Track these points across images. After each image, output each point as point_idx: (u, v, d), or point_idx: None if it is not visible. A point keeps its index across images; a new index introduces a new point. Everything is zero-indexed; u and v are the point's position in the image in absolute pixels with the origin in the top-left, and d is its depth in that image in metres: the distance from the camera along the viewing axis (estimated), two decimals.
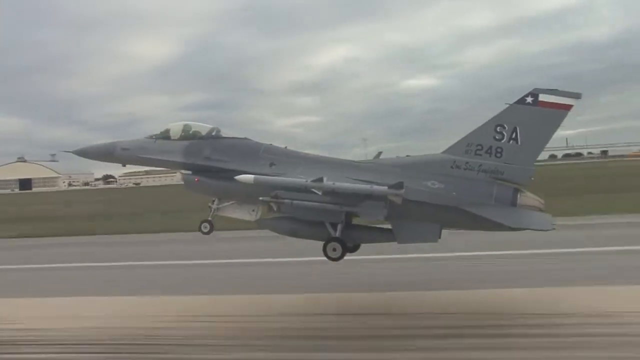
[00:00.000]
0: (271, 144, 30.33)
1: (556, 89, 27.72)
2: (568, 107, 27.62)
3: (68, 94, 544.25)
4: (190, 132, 30.45)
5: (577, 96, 27.77)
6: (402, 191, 25.37)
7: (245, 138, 30.54)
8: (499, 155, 27.98)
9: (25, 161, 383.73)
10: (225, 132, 30.53)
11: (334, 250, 28.10)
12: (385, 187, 25.55)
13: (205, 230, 30.16)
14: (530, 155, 28.12)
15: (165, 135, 30.35)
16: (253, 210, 30.36)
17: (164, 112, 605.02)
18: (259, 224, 30.40)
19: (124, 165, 31.63)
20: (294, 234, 29.80)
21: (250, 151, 29.79)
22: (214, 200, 30.45)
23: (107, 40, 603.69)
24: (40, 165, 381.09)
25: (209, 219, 30.09)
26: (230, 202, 30.39)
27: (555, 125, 27.98)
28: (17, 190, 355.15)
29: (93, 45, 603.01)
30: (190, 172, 29.99)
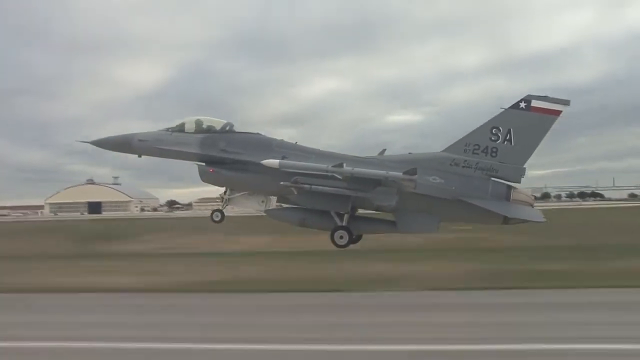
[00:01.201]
0: (282, 140, 32.73)
1: (547, 96, 31.11)
2: (558, 113, 30.99)
3: (47, 117, 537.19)
4: (205, 126, 32.72)
5: (566, 103, 30.94)
6: (416, 177, 28.53)
7: (258, 133, 33.06)
8: (494, 154, 31.14)
9: (94, 183, 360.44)
10: (238, 127, 32.87)
11: (341, 237, 31.26)
12: (400, 173, 28.54)
13: (217, 219, 32.28)
14: (522, 156, 31.32)
15: (180, 129, 32.51)
16: (262, 201, 33.10)
17: None
18: (268, 214, 32.99)
19: (139, 156, 33.09)
20: (302, 223, 32.55)
21: (263, 144, 32.17)
22: (225, 191, 32.81)
23: (95, 63, 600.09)
24: (111, 188, 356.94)
25: (221, 208, 32.42)
26: (242, 193, 32.84)
27: (546, 129, 31.16)
28: (86, 214, 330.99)
29: (80, 69, 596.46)
30: (204, 163, 32.00)
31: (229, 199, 32.97)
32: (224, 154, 31.93)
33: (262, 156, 30.76)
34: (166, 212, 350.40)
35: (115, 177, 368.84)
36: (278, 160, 29.74)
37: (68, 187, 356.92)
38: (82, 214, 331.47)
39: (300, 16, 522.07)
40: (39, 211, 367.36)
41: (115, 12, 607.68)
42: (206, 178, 32.29)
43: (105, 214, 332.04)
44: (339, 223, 31.21)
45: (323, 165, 29.50)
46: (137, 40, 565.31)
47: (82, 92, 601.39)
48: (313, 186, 29.77)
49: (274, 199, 33.06)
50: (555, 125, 31.36)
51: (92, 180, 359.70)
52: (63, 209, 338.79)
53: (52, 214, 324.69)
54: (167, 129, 32.81)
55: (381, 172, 29.14)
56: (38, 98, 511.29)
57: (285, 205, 32.85)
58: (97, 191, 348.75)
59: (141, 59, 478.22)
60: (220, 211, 32.41)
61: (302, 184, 29.85)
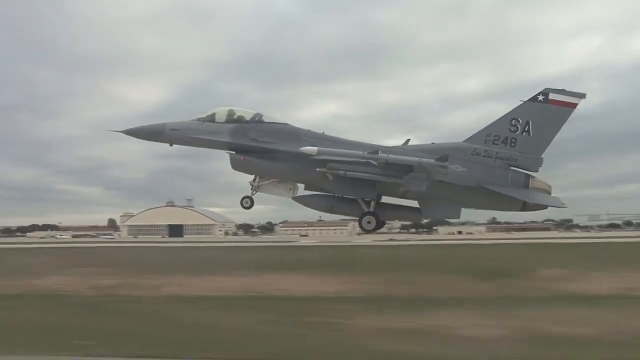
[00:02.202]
0: (310, 129, 34.72)
1: (564, 89, 33.22)
2: (574, 105, 33.09)
3: (44, 135, 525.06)
4: (235, 116, 34.50)
5: (582, 96, 33.20)
6: (447, 163, 30.30)
7: (286, 124, 34.88)
8: (513, 145, 33.14)
9: (174, 205, 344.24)
10: (268, 117, 34.71)
11: (369, 222, 33.69)
12: (432, 160, 30.39)
13: (247, 205, 34.86)
14: (540, 146, 33.34)
15: (211, 119, 34.20)
16: (290, 189, 34.87)
17: (135, 159, 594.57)
18: (297, 201, 35.18)
19: (170, 145, 34.72)
20: (330, 209, 35.41)
21: (292, 134, 34.05)
22: (254, 178, 34.58)
23: (97, 81, 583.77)
24: (191, 210, 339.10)
25: (250, 195, 34.56)
26: (270, 181, 34.55)
27: (562, 120, 33.21)
28: (166, 237, 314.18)
29: (83, 87, 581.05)
30: (234, 152, 33.91)
31: (258, 185, 34.63)
32: (255, 142, 33.70)
33: (292, 144, 32.90)
34: (254, 236, 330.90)
35: (189, 200, 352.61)
36: (316, 148, 31.54)
37: (146, 209, 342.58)
38: (163, 237, 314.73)
39: (309, 39, 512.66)
40: (117, 233, 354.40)
41: (122, 29, 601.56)
42: (237, 166, 34.10)
43: (187, 238, 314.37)
44: (366, 209, 33.76)
45: (360, 152, 31.58)
46: (142, 58, 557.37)
47: (80, 110, 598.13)
48: (348, 172, 31.55)
49: (300, 186, 35.02)
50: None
51: (172, 202, 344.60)
52: (142, 232, 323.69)
53: (132, 236, 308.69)
54: (199, 119, 34.47)
55: (415, 159, 31.01)
56: (35, 115, 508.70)
57: (313, 193, 35.08)
58: (177, 213, 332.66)
59: (144, 78, 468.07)
60: (250, 197, 34.58)
61: (337, 170, 31.64)
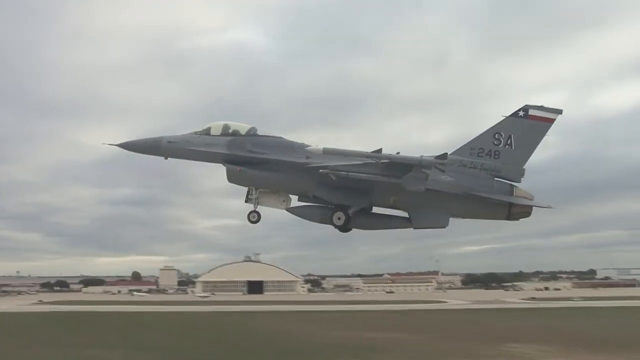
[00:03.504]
0: (303, 142, 35.70)
1: (542, 106, 35.94)
2: (551, 121, 35.78)
3: None
4: (231, 130, 36.01)
5: (558, 112, 35.92)
6: (447, 160, 31.92)
7: (280, 137, 36.33)
8: (496, 157, 35.63)
9: (251, 260, 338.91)
10: (262, 131, 36.26)
11: (339, 219, 35.13)
12: (432, 158, 31.81)
13: (253, 220, 35.86)
14: (522, 158, 35.88)
15: (207, 132, 35.79)
16: (283, 200, 36.11)
17: (84, 206, 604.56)
18: (290, 212, 36.13)
19: (165, 158, 35.95)
20: (323, 220, 35.77)
21: (287, 146, 35.65)
22: (249, 191, 35.82)
23: (61, 127, 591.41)
24: (272, 266, 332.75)
25: (255, 209, 35.74)
26: (264, 192, 35.71)
27: (542, 134, 35.86)
28: (245, 293, 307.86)
29: (42, 131, 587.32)
30: (230, 164, 35.12)
31: (257, 197, 35.60)
32: (251, 153, 35.13)
33: (288, 155, 34.85)
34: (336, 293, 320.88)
35: (257, 254, 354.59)
36: (322, 147, 32.86)
37: (223, 265, 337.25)
38: (244, 294, 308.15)
39: (285, 87, 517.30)
40: (190, 290, 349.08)
41: (96, 75, 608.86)
42: (233, 178, 35.49)
43: (267, 294, 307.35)
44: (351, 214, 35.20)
45: (365, 151, 32.87)
46: (110, 105, 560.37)
47: (35, 155, 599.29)
48: (350, 173, 32.90)
49: (294, 198, 36.36)
50: None
51: (249, 257, 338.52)
52: (218, 288, 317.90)
53: (210, 294, 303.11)
54: (195, 132, 35.99)
55: (416, 157, 32.24)
56: None
57: (306, 204, 36.15)
58: (256, 269, 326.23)
59: (108, 124, 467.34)
60: (257, 212, 35.72)
61: (340, 171, 32.97)
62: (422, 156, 32.17)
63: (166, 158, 35.75)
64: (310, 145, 34.72)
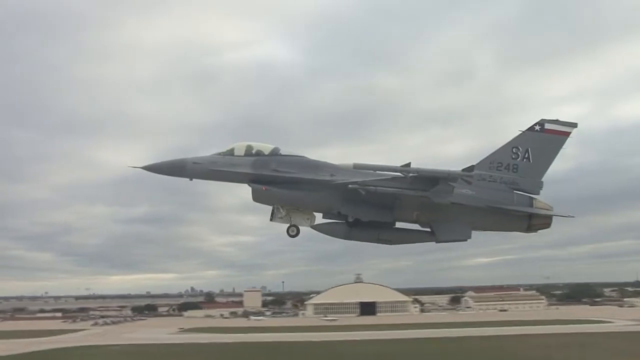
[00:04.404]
0: (326, 161, 36.68)
1: (557, 119, 36.89)
2: (567, 134, 36.80)
3: (7, 198, 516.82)
4: (254, 150, 36.69)
5: (573, 125, 36.83)
6: (474, 173, 33.09)
7: (303, 156, 37.02)
8: (515, 170, 36.55)
9: (362, 282, 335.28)
10: (285, 151, 36.91)
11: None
12: (460, 170, 32.87)
13: (293, 234, 36.63)
14: (539, 171, 36.80)
15: (230, 153, 36.53)
16: (308, 218, 36.79)
17: (100, 224, 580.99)
18: (315, 229, 37.09)
19: (190, 180, 36.48)
20: (347, 236, 36.95)
21: (311, 164, 36.46)
22: (277, 210, 36.67)
23: (80, 145, 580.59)
24: (383, 286, 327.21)
25: (292, 223, 36.58)
26: (289, 210, 36.36)
27: (558, 147, 36.74)
28: (357, 315, 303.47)
29: (61, 149, 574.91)
30: (255, 183, 35.89)
31: (288, 214, 36.51)
32: (276, 172, 35.88)
33: (312, 173, 35.74)
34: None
35: (358, 275, 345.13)
36: (352, 162, 33.56)
37: (334, 286, 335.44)
38: (358, 316, 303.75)
39: (308, 103, 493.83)
40: (301, 312, 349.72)
41: (120, 92, 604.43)
42: (259, 197, 36.14)
43: (380, 316, 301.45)
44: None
45: (394, 165, 33.44)
46: (132, 122, 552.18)
47: (52, 174, 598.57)
48: (379, 188, 33.80)
49: (318, 215, 37.17)
50: None
51: (360, 278, 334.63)
52: (330, 310, 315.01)
53: (322, 316, 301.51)
54: (219, 153, 36.55)
55: (444, 170, 33.17)
56: (3, 178, 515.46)
57: (330, 221, 37.27)
58: (368, 290, 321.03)
59: (129, 142, 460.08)
60: (295, 226, 36.67)
61: (368, 185, 33.82)
62: (449, 169, 33.22)
63: (191, 179, 36.26)
64: (333, 163, 36.12)
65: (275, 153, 36.61)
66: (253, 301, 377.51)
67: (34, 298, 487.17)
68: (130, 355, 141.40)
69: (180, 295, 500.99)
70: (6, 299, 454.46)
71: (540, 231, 37.07)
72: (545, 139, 36.55)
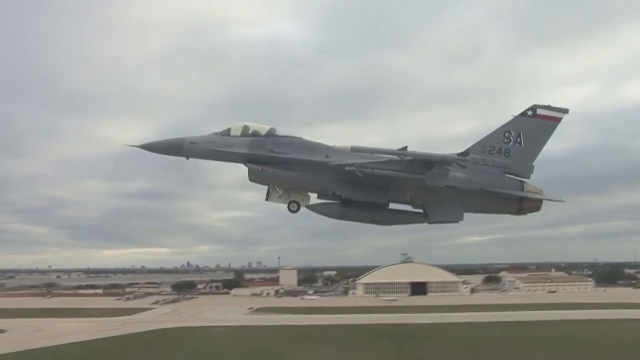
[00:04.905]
0: (321, 142, 37.47)
1: (549, 105, 37.46)
2: (558, 120, 37.34)
3: (8, 172, 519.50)
4: (250, 130, 37.27)
5: (565, 111, 37.45)
6: (469, 157, 34.13)
7: (299, 137, 37.68)
8: (507, 154, 37.39)
9: (411, 261, 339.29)
10: (281, 132, 37.58)
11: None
12: (455, 154, 34.13)
13: (294, 209, 37.55)
14: (531, 155, 37.61)
15: (227, 133, 37.08)
16: (303, 198, 37.59)
17: (95, 199, 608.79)
18: (309, 209, 37.77)
19: (187, 159, 37.04)
20: (341, 216, 37.67)
21: (307, 145, 37.15)
22: (272, 189, 37.64)
23: (84, 120, 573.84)
24: (433, 266, 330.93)
25: (293, 199, 37.47)
26: (287, 189, 37.36)
27: (550, 132, 37.48)
28: (408, 295, 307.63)
29: (63, 125, 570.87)
30: (252, 163, 36.53)
31: (284, 192, 37.40)
32: (272, 153, 36.57)
33: (308, 154, 36.49)
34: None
35: (404, 254, 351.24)
36: (350, 145, 34.59)
37: (384, 266, 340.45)
38: (410, 295, 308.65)
39: (315, 81, 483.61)
40: (352, 291, 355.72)
41: (128, 67, 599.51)
42: (254, 177, 36.84)
43: (431, 296, 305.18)
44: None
45: (391, 149, 34.43)
46: (138, 98, 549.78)
47: (52, 148, 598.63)
48: (376, 170, 34.62)
49: (312, 195, 37.87)
50: None
51: (410, 258, 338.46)
52: (380, 290, 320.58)
53: (374, 296, 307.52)
54: (216, 133, 37.06)
55: (439, 154, 34.34)
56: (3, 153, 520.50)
57: (325, 201, 37.93)
58: (418, 270, 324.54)
59: (133, 117, 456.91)
60: (296, 202, 37.43)
61: (365, 168, 34.59)
62: (445, 153, 34.42)
63: (187, 158, 36.86)
64: (329, 145, 37.00)
65: (271, 134, 37.28)
66: (289, 279, 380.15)
67: (29, 271, 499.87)
68: (246, 338, 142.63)
69: (176, 271, 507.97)
70: (4, 272, 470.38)
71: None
72: (537, 124, 37.21)
